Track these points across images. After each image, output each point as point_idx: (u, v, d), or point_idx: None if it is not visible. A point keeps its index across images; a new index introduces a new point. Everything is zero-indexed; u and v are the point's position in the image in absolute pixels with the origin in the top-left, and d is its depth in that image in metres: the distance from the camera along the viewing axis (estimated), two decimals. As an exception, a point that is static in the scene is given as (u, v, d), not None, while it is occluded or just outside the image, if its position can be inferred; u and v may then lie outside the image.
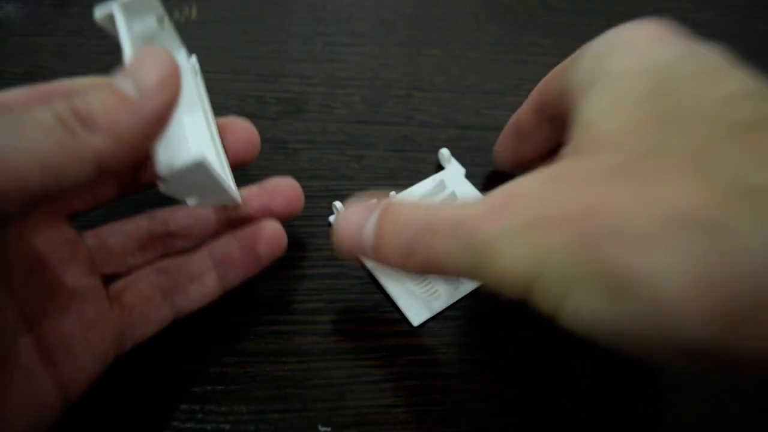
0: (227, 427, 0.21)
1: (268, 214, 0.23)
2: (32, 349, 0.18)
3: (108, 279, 0.21)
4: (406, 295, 0.24)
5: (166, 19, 0.19)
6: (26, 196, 0.13)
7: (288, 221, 0.24)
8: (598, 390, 0.23)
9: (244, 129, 0.24)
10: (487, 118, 0.33)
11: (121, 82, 0.15)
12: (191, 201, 0.18)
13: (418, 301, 0.24)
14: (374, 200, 0.20)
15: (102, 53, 0.34)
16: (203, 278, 0.22)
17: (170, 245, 0.23)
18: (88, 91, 0.15)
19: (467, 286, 0.25)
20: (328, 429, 0.22)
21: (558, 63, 0.21)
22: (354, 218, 0.19)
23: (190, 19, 0.19)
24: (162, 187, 0.16)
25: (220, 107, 0.32)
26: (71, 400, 0.18)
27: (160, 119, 0.15)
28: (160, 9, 0.19)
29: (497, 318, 0.25)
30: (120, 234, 0.22)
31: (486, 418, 0.22)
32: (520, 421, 0.22)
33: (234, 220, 0.23)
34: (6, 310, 0.17)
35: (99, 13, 0.18)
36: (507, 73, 0.35)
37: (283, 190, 0.24)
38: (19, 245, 0.19)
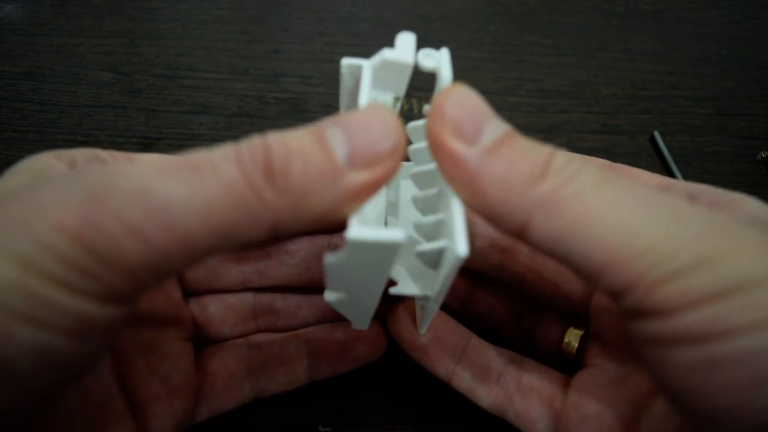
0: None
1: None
2: (124, 404, 0.17)
3: (198, 343, 0.21)
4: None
5: (399, 102, 0.17)
6: (190, 257, 0.12)
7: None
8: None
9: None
10: (487, 118, 0.33)
11: (334, 139, 0.12)
12: (331, 295, 0.16)
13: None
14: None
15: (102, 53, 0.34)
16: (293, 364, 0.21)
17: (272, 322, 0.22)
18: (292, 141, 0.12)
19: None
20: (328, 429, 0.22)
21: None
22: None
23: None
24: (329, 259, 0.13)
25: (219, 107, 0.32)
26: None
27: (358, 198, 0.12)
28: (402, 90, 0.17)
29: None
30: (222, 305, 0.21)
31: (486, 419, 0.22)
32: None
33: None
34: (104, 364, 0.17)
35: (349, 61, 0.16)
36: (507, 73, 0.35)
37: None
38: None
